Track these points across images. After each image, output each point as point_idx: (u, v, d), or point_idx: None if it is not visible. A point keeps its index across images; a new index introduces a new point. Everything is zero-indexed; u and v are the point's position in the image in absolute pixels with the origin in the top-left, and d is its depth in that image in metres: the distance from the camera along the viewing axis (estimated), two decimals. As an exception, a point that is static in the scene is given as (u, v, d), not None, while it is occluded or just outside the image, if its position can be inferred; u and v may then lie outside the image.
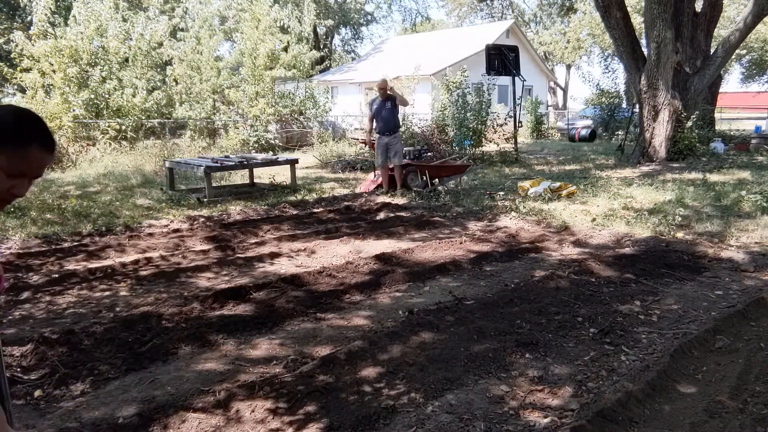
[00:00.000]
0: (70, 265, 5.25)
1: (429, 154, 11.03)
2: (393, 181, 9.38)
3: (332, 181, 11.18)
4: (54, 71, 14.96)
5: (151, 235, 6.50)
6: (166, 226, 6.94)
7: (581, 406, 2.66)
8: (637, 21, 19.68)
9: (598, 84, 23.80)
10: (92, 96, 15.31)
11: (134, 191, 9.61)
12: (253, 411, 2.65)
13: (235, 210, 7.95)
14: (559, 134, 24.41)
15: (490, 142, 14.91)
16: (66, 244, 6.02)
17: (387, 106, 9.07)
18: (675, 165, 11.87)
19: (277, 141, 17.79)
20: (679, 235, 6.01)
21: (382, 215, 7.66)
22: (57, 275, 4.80)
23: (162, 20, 18.51)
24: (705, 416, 2.58)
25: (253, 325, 3.77)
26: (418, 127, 14.61)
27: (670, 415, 2.61)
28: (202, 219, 7.28)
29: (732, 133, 18.35)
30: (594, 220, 6.86)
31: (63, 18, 17.08)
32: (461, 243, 5.88)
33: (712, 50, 13.39)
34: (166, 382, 3.00)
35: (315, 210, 7.99)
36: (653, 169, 11.59)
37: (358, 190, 9.78)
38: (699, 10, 13.07)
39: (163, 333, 3.61)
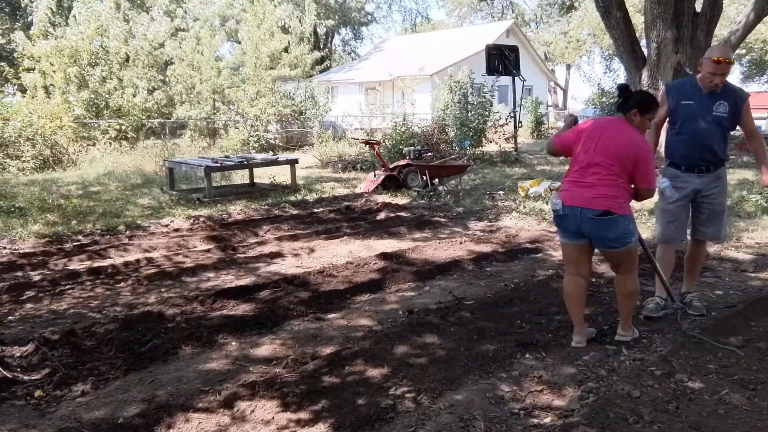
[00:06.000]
0: (71, 265, 5.26)
1: (429, 154, 11.02)
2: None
3: (332, 181, 11.19)
4: (54, 71, 14.97)
5: (151, 234, 6.51)
6: (167, 225, 6.95)
7: (582, 406, 2.66)
8: (638, 21, 19.66)
9: (599, 84, 23.75)
10: (92, 96, 15.32)
11: (135, 191, 9.61)
12: (253, 411, 2.66)
13: (236, 210, 7.95)
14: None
15: (491, 142, 14.91)
16: (67, 244, 6.02)
17: None
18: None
19: (277, 141, 17.79)
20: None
21: (382, 215, 7.66)
22: (58, 275, 4.81)
23: (164, 21, 18.54)
24: (710, 414, 2.58)
25: (254, 324, 3.77)
26: (418, 127, 14.61)
27: (671, 414, 2.61)
28: (203, 219, 7.28)
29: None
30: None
31: (64, 18, 17.10)
32: (462, 243, 5.88)
33: (712, 50, 13.36)
34: (167, 382, 3.00)
35: (315, 210, 7.99)
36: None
37: (358, 190, 9.79)
38: (699, 10, 13.05)
39: (164, 333, 3.61)
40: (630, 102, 3.14)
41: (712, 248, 5.40)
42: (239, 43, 21.30)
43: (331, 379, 2.94)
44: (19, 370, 3.13)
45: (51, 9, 15.47)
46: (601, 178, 3.04)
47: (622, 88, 3.22)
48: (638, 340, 3.41)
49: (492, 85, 14.43)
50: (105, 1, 16.78)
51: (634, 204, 7.85)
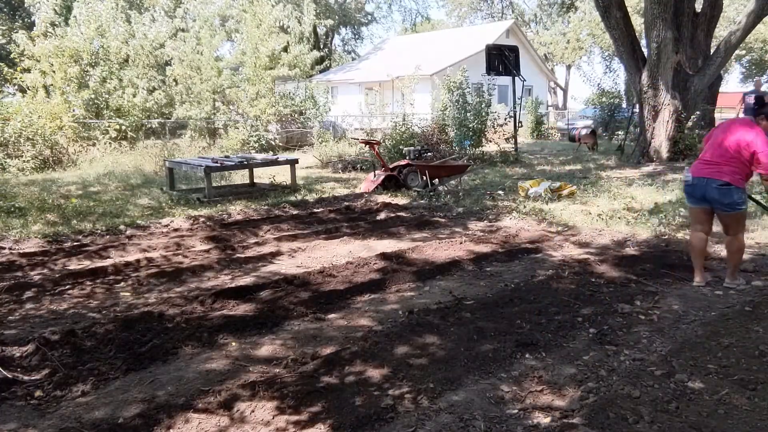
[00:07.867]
0: (71, 265, 5.26)
1: (429, 154, 11.01)
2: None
3: (332, 181, 11.19)
4: (54, 71, 14.97)
5: (151, 234, 6.51)
6: (167, 225, 6.95)
7: (581, 406, 2.67)
8: (637, 21, 19.66)
9: (599, 84, 23.75)
10: (92, 96, 15.32)
11: (135, 191, 9.61)
12: (253, 411, 2.66)
13: (236, 210, 7.95)
14: (559, 134, 24.38)
15: (491, 142, 14.92)
16: (67, 244, 6.02)
17: None
18: (675, 165, 11.86)
19: (277, 141, 17.78)
20: (680, 235, 6.00)
21: (382, 215, 7.66)
22: (58, 275, 4.81)
23: (165, 21, 18.54)
24: (710, 414, 2.58)
25: (254, 325, 3.77)
26: (418, 127, 14.61)
27: (671, 414, 2.61)
28: (203, 219, 7.28)
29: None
30: (594, 220, 6.86)
31: (64, 18, 17.09)
32: (461, 243, 5.88)
33: (712, 50, 13.37)
34: (167, 382, 3.00)
35: (315, 210, 7.99)
36: (654, 169, 11.58)
37: (358, 190, 9.79)
38: (699, 10, 13.06)
39: (164, 333, 3.61)
40: (764, 109, 4.27)
41: (712, 248, 5.40)
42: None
43: (330, 380, 2.94)
44: (19, 370, 3.13)
45: (55, 9, 15.46)
46: (725, 160, 4.12)
47: (759, 99, 4.65)
48: (643, 337, 3.44)
49: (489, 85, 14.43)
50: (105, 1, 16.78)
51: (634, 205, 7.85)
